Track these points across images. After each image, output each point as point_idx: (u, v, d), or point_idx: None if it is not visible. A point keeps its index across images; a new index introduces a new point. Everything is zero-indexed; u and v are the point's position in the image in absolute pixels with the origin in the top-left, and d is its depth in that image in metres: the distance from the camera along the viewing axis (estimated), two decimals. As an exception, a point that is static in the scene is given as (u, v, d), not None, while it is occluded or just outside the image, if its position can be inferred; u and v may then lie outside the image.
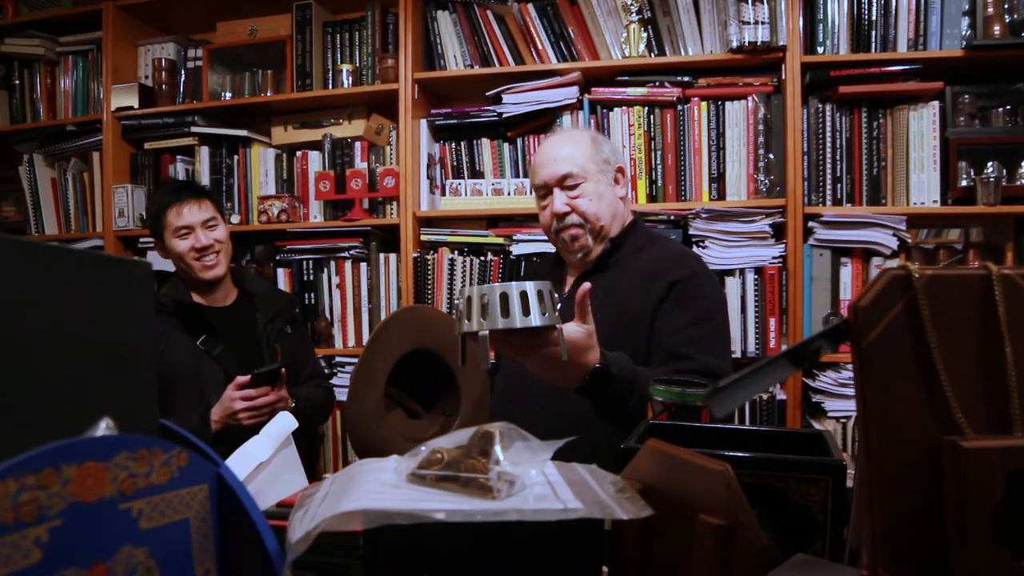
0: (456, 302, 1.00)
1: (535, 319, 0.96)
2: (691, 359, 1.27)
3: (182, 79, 2.63)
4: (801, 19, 2.12)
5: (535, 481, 0.64)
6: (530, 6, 2.31)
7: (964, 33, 2.08)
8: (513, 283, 0.96)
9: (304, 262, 2.43)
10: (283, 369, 1.74)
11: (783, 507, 0.78)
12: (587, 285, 1.07)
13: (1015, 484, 0.47)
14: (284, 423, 1.16)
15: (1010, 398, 0.50)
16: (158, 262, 1.95)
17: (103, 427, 0.51)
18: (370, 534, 0.59)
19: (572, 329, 1.04)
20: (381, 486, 0.63)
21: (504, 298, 0.95)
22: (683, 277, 1.37)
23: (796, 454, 0.84)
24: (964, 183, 2.08)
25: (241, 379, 1.67)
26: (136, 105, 2.56)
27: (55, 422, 0.51)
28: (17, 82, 2.76)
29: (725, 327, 1.41)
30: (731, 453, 0.78)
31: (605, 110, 2.25)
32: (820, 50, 2.14)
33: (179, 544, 0.53)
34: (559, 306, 1.04)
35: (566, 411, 1.33)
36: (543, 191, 1.50)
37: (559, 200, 1.45)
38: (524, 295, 0.95)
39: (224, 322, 1.86)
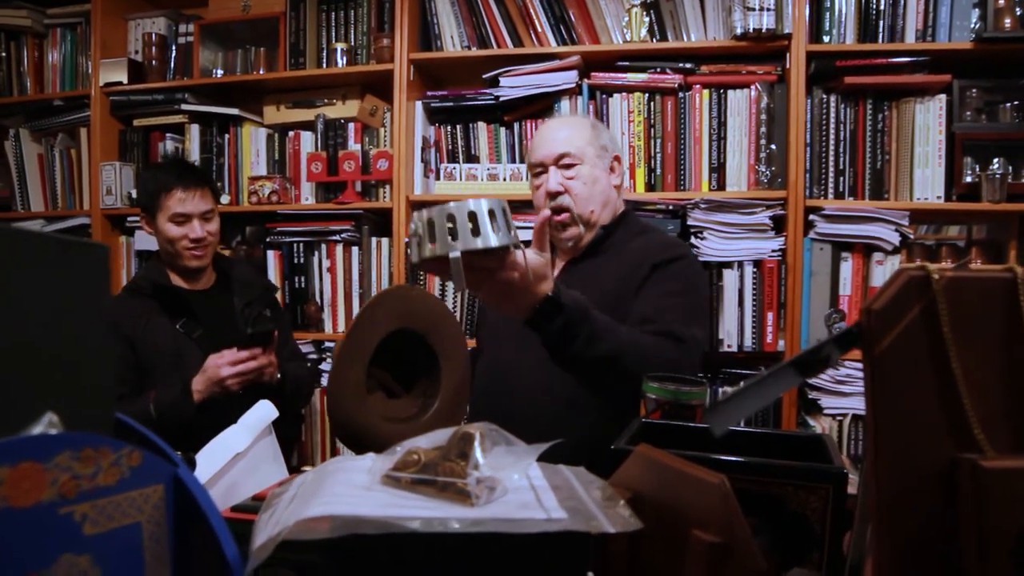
0: (413, 226, 0.93)
1: (504, 237, 0.90)
2: (656, 322, 1.26)
3: (173, 55, 2.57)
4: (808, 7, 2.07)
5: (517, 486, 0.60)
6: (530, -13, 2.25)
7: (974, 25, 2.03)
8: (468, 201, 0.89)
9: (295, 245, 2.38)
10: (275, 332, 1.72)
11: (780, 515, 0.74)
12: (546, 213, 1.04)
13: (1038, 507, 0.43)
14: (263, 412, 1.12)
15: (1033, 413, 0.46)
16: (141, 241, 1.90)
17: (45, 423, 0.47)
18: (338, 538, 0.56)
19: (530, 255, 1.00)
20: (352, 488, 0.59)
21: (472, 217, 0.89)
22: (666, 259, 1.38)
23: (794, 458, 0.80)
24: (969, 179, 2.03)
25: (226, 351, 1.65)
26: (125, 81, 2.50)
27: (-10, 418, 0.46)
28: (3, 54, 2.69)
29: (700, 303, 1.40)
30: (727, 458, 0.74)
31: (604, 96, 2.20)
32: (826, 39, 2.09)
33: (128, 550, 0.49)
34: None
35: (547, 397, 1.34)
36: (538, 169, 1.49)
37: (554, 178, 1.44)
38: (491, 213, 0.89)
39: (202, 305, 1.83)
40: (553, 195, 1.44)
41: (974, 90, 2.06)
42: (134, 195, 2.41)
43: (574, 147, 1.45)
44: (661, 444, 0.75)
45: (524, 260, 0.96)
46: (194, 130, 2.49)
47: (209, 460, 0.98)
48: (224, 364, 1.63)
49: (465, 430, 0.60)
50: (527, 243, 0.97)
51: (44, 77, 2.67)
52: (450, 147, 2.37)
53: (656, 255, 1.39)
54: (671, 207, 2.10)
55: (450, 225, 0.89)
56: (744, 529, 0.48)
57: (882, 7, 2.07)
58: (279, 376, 1.77)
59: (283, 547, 0.53)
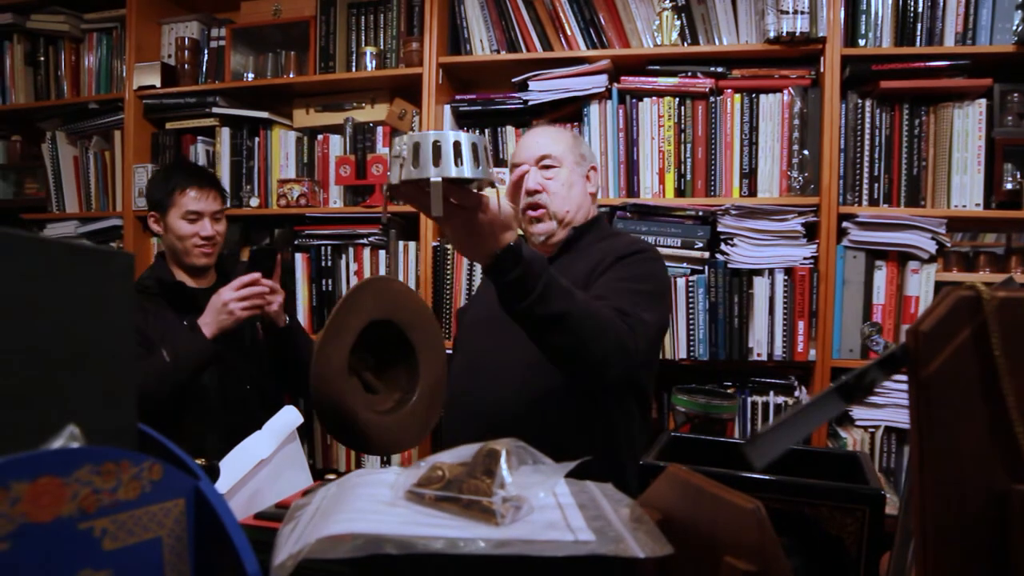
0: (396, 149, 0.94)
1: (482, 172, 0.93)
2: (608, 300, 1.28)
3: (205, 59, 2.60)
4: (843, 10, 2.02)
5: (544, 504, 0.58)
6: (560, -10, 2.24)
7: (1016, 28, 1.98)
8: (452, 131, 0.92)
9: (322, 248, 2.39)
10: (279, 255, 1.78)
11: (814, 536, 0.72)
12: (525, 167, 1.10)
13: (1096, 544, 0.41)
14: (288, 418, 1.11)
15: (1091, 442, 0.44)
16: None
17: (66, 436, 0.46)
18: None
19: (504, 203, 1.03)
20: (375, 503, 0.57)
21: (457, 146, 0.91)
22: (629, 252, 1.43)
23: (828, 476, 0.78)
24: (1009, 186, 1.98)
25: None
26: (158, 84, 2.53)
27: (12, 432, 0.46)
28: (42, 59, 2.74)
29: (655, 293, 1.40)
30: (759, 476, 0.72)
31: (634, 100, 2.18)
32: (862, 42, 2.04)
33: (149, 566, 0.48)
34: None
35: (522, 394, 1.37)
36: (518, 169, 1.52)
37: (534, 177, 1.51)
38: (474, 146, 0.92)
39: (207, 301, 1.82)
40: (531, 193, 1.50)
41: (1016, 94, 2.00)
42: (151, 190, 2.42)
43: (555, 150, 1.53)
44: (690, 458, 0.73)
45: (497, 201, 0.99)
46: (225, 133, 2.51)
47: (233, 467, 0.97)
48: (230, 288, 1.67)
49: (491, 446, 0.58)
50: None
51: (80, 81, 2.72)
52: (478, 151, 2.36)
53: (621, 250, 1.45)
54: (701, 213, 2.07)
55: (434, 152, 0.91)
56: (779, 557, 0.46)
57: (920, 9, 2.02)
58: (287, 320, 1.81)
59: (305, 561, 0.53)
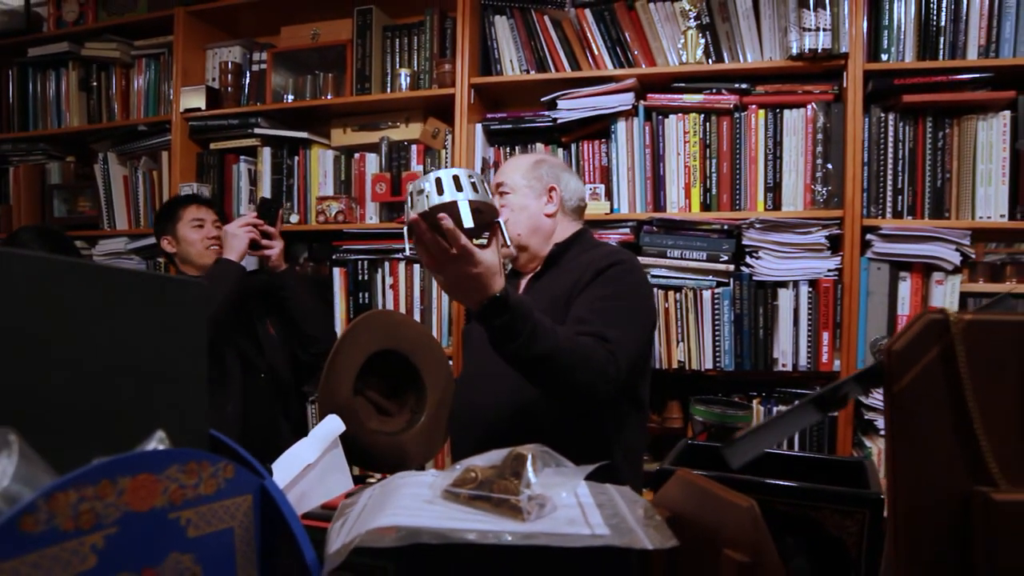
0: (416, 186, 1.10)
1: (496, 203, 1.12)
2: (590, 323, 1.36)
3: (247, 81, 2.72)
4: (865, 25, 2.06)
5: (566, 503, 0.65)
6: (587, 11, 2.31)
7: (1040, 40, 2.00)
8: (458, 168, 1.10)
9: (359, 262, 2.48)
10: (280, 208, 2.16)
11: (818, 538, 0.77)
12: (503, 217, 1.21)
13: (1049, 538, 0.46)
14: (331, 426, 1.19)
15: (1049, 449, 0.49)
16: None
17: (156, 440, 0.54)
18: (404, 547, 0.62)
19: (491, 253, 1.15)
20: (416, 501, 0.65)
21: (472, 178, 1.09)
22: (607, 265, 1.50)
23: (837, 483, 0.83)
24: (1035, 197, 1.99)
25: None
26: (203, 106, 2.65)
27: (113, 436, 0.54)
28: (95, 84, 2.89)
29: (636, 309, 1.48)
30: (769, 481, 0.78)
31: (660, 117, 2.24)
32: (884, 57, 2.08)
33: (223, 552, 0.56)
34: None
35: (517, 404, 1.47)
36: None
37: None
38: (482, 180, 1.11)
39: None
40: None
41: (1041, 106, 2.02)
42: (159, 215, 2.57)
43: (508, 179, 1.65)
44: (706, 465, 0.79)
45: (504, 232, 1.15)
46: (266, 152, 2.62)
47: (283, 471, 1.06)
48: (231, 225, 2.03)
49: (518, 451, 0.65)
50: None
51: (130, 104, 2.86)
52: (508, 167, 2.43)
53: (598, 263, 1.51)
54: (726, 227, 2.12)
55: (455, 183, 1.08)
56: (772, 550, 0.52)
57: (943, 23, 2.05)
58: (284, 266, 2.10)
59: (351, 551, 0.60)
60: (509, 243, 1.19)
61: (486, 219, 1.15)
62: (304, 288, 2.19)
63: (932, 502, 0.49)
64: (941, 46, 2.05)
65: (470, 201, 1.07)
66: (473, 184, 1.09)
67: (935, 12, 2.05)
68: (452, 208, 1.08)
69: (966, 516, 0.48)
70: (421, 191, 1.09)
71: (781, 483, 0.78)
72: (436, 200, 1.07)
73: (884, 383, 0.50)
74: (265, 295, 2.14)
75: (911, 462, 0.49)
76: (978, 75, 2.00)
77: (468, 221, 1.07)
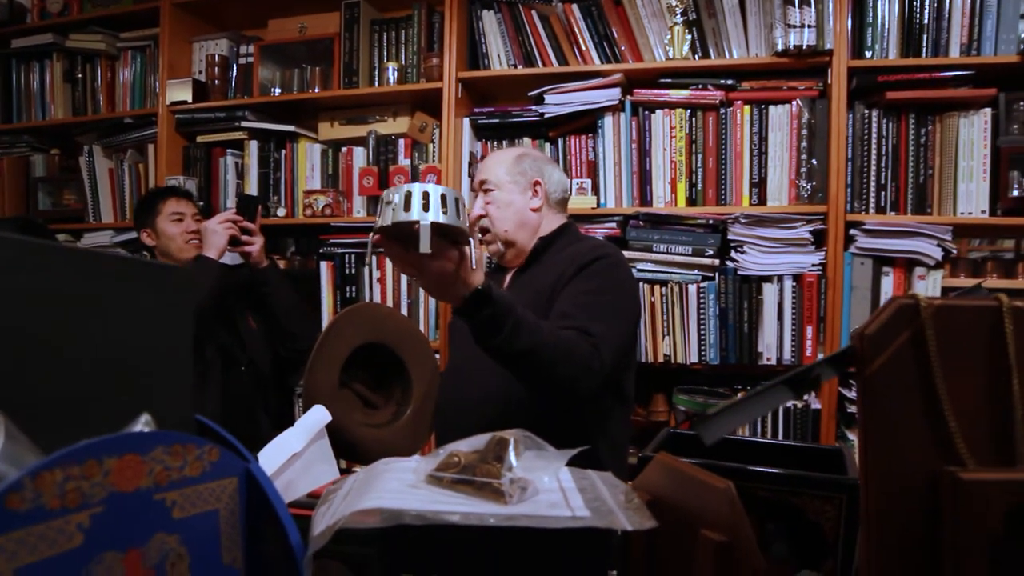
0: (388, 196, 1.07)
1: (464, 222, 1.07)
2: (573, 318, 1.37)
3: (234, 74, 2.71)
4: (849, 22, 2.08)
5: (548, 487, 0.66)
6: (574, 6, 2.32)
7: (1022, 37, 2.02)
8: (435, 186, 1.06)
9: (346, 256, 2.48)
10: (260, 205, 2.14)
11: (797, 523, 0.79)
12: (477, 211, 1.20)
13: (1015, 519, 0.47)
14: (317, 416, 1.20)
15: (1016, 432, 0.51)
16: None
17: (142, 423, 0.55)
18: (387, 530, 0.63)
19: (472, 250, 1.15)
20: (401, 485, 0.66)
21: (443, 197, 1.05)
22: (591, 260, 1.51)
23: (816, 470, 0.84)
24: (1015, 193, 2.02)
25: None
26: (190, 99, 2.64)
27: (99, 417, 0.55)
28: (80, 76, 2.87)
29: (620, 303, 1.49)
30: (746, 467, 0.79)
31: (647, 112, 2.25)
32: (868, 54, 2.10)
33: (208, 533, 0.56)
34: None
35: (500, 396, 1.48)
36: (474, 195, 1.71)
37: (478, 204, 1.65)
38: (457, 200, 1.06)
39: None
40: (478, 217, 1.65)
41: (1021, 103, 2.05)
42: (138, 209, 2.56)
43: (491, 175, 1.65)
44: (689, 453, 0.81)
45: (471, 250, 1.12)
46: (253, 146, 2.61)
47: (269, 459, 1.06)
48: (211, 221, 2.03)
49: (501, 436, 0.66)
50: None
51: (115, 97, 2.84)
52: (495, 162, 2.44)
53: (582, 257, 1.52)
54: (711, 221, 2.13)
55: (424, 200, 1.04)
56: (747, 530, 0.54)
57: (926, 21, 2.07)
58: (265, 262, 2.12)
59: (335, 539, 0.60)
60: (474, 265, 1.16)
61: (457, 239, 1.12)
62: (286, 284, 2.19)
63: (903, 481, 0.51)
64: (924, 44, 2.08)
65: (435, 223, 1.03)
66: (444, 205, 1.04)
67: (918, 10, 2.07)
68: (413, 227, 1.05)
69: (935, 495, 0.50)
70: (390, 202, 1.06)
71: (761, 469, 0.80)
72: (401, 216, 1.04)
73: (856, 366, 0.52)
74: (247, 290, 2.14)
75: (883, 443, 0.50)
76: (960, 73, 2.02)
77: (426, 247, 1.03)
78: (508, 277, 1.69)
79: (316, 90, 2.57)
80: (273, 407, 2.18)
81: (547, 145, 2.38)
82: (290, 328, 2.14)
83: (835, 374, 0.55)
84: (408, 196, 1.04)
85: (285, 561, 0.59)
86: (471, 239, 1.12)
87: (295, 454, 1.11)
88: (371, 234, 1.12)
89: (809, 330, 2.07)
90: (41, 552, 0.44)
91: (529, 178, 1.66)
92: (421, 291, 2.41)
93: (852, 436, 2.02)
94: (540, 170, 1.68)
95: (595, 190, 2.29)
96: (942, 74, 2.03)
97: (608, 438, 1.52)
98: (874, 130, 2.09)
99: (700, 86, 2.21)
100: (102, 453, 0.48)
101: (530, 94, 2.34)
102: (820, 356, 2.05)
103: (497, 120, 2.40)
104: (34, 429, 0.51)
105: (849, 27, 2.08)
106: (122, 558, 0.49)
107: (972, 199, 2.04)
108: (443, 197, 1.04)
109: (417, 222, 1.03)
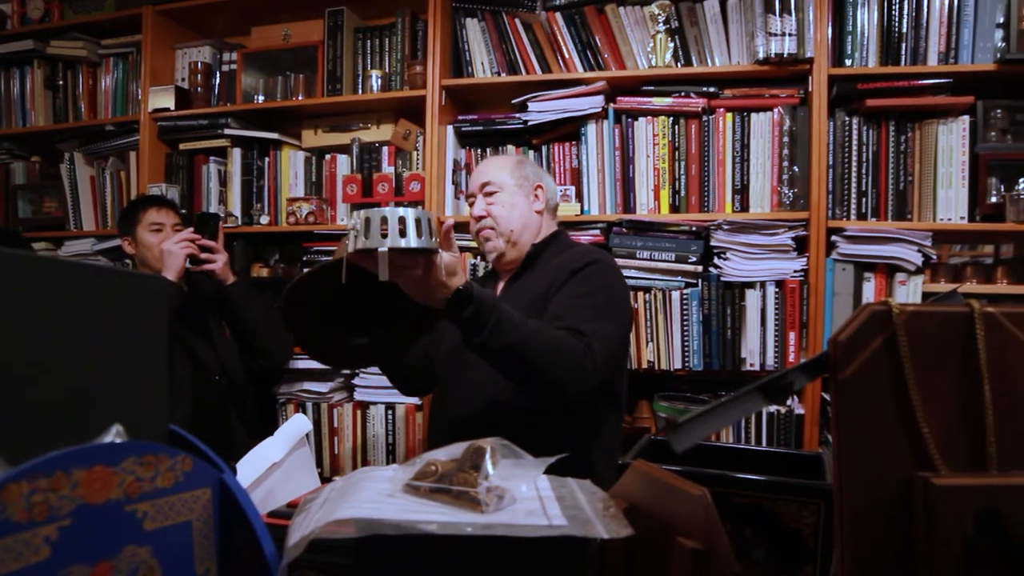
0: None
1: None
2: (565, 319, 1.39)
3: (217, 82, 2.70)
4: (830, 31, 2.11)
5: (525, 496, 0.66)
6: (558, 15, 2.33)
7: (998, 46, 2.05)
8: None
9: (330, 263, 2.47)
10: (220, 221, 2.15)
11: (775, 529, 0.79)
12: (451, 221, 1.22)
13: (985, 523, 0.48)
14: (299, 425, 1.19)
15: (987, 437, 0.51)
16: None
17: (113, 433, 0.54)
18: (363, 541, 0.62)
19: (444, 255, 1.16)
20: (377, 495, 0.65)
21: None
22: (583, 264, 1.53)
23: (795, 476, 0.84)
24: (994, 199, 2.05)
25: None
26: (172, 107, 2.63)
27: (70, 428, 0.54)
28: (61, 83, 2.85)
29: (613, 306, 1.50)
30: (723, 473, 0.79)
31: (630, 119, 2.26)
32: (848, 62, 2.12)
33: (181, 544, 0.56)
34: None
35: (492, 402, 1.49)
36: (471, 199, 1.72)
37: (479, 204, 1.67)
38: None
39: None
40: (478, 219, 1.67)
41: (999, 111, 2.08)
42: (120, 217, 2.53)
43: (494, 177, 1.67)
44: (669, 460, 0.81)
45: (440, 263, 1.13)
46: (236, 153, 2.60)
47: (248, 468, 1.05)
48: (167, 242, 2.01)
49: (478, 444, 0.66)
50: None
51: (97, 104, 2.82)
52: (480, 169, 2.44)
53: (575, 262, 1.54)
54: (694, 228, 2.14)
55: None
56: (723, 537, 0.54)
57: (904, 30, 2.10)
58: (232, 279, 2.10)
59: (312, 549, 0.60)
60: (444, 276, 1.16)
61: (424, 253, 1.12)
62: (256, 300, 2.17)
63: (876, 487, 0.51)
64: (903, 52, 2.10)
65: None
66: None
67: (897, 19, 2.10)
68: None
69: (909, 500, 0.50)
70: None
71: (739, 475, 0.80)
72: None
73: (830, 372, 0.52)
74: (219, 300, 2.13)
75: (856, 449, 0.50)
76: (938, 80, 2.05)
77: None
78: (500, 285, 1.70)
79: (300, 97, 2.56)
80: (251, 416, 2.16)
81: (531, 152, 2.38)
82: (260, 345, 2.13)
83: (809, 380, 0.55)
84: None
85: (260, 572, 0.58)
86: (437, 253, 1.13)
87: (275, 463, 1.11)
88: (344, 260, 1.12)
89: (792, 336, 2.08)
90: (7, 565, 0.43)
91: (532, 182, 1.70)
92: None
93: (835, 441, 2.03)
94: (540, 176, 1.74)
95: (579, 197, 2.30)
96: (921, 82, 2.05)
97: (601, 445, 1.52)
98: (854, 137, 2.11)
99: (683, 94, 2.22)
100: (70, 465, 0.47)
101: (514, 102, 2.35)
102: (803, 361, 2.06)
103: (481, 128, 2.41)
104: (5, 439, 0.50)
105: (829, 36, 2.11)
106: (91, 571, 0.48)
107: (951, 205, 2.07)
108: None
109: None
